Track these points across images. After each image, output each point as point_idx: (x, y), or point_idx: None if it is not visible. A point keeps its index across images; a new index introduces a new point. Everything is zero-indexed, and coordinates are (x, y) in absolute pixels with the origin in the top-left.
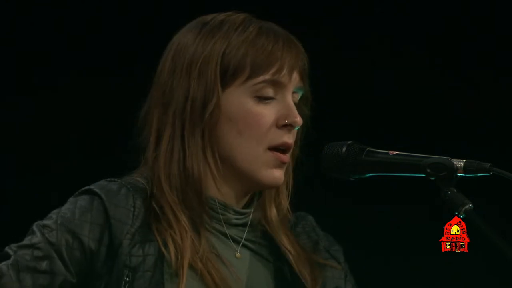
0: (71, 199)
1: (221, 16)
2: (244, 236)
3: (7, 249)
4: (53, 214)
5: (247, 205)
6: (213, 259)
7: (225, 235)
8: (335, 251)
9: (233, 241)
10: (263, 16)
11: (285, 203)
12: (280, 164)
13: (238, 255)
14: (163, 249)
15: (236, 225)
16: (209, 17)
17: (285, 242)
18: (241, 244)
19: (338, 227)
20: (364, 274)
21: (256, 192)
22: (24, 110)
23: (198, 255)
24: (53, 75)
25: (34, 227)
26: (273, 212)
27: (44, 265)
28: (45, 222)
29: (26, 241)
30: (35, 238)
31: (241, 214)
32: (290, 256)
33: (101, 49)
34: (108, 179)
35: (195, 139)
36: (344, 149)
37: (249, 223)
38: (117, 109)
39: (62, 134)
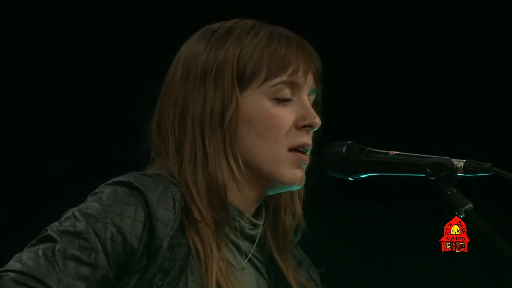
0: (107, 190)
1: (229, 23)
2: (251, 251)
3: (49, 231)
4: (94, 202)
5: (255, 216)
6: (230, 271)
7: (236, 245)
8: (314, 273)
9: (243, 253)
10: (263, 16)
11: (299, 209)
12: (301, 164)
13: (244, 265)
14: (194, 255)
15: (247, 235)
16: (215, 25)
17: (287, 264)
18: (248, 257)
19: (338, 227)
20: (364, 274)
21: (263, 203)
22: (24, 110)
23: (219, 265)
24: (53, 75)
25: (77, 213)
26: (288, 220)
27: (89, 257)
28: (89, 211)
29: (69, 226)
30: (80, 226)
31: (253, 224)
32: (290, 278)
33: (101, 49)
34: (144, 174)
35: (216, 145)
36: (344, 149)
37: (258, 237)
38: (117, 109)
39: (62, 134)
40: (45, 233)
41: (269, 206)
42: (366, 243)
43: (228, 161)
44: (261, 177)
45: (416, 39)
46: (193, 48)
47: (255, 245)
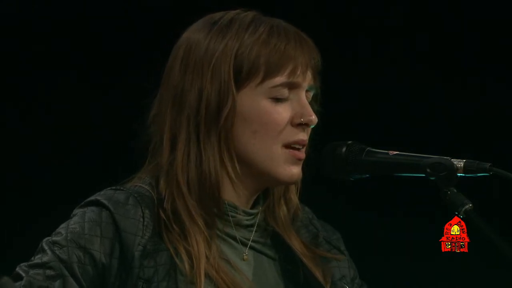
0: (78, 211)
1: (230, 14)
2: (251, 238)
3: (18, 269)
4: (62, 229)
5: (253, 205)
6: (224, 265)
7: (233, 238)
8: (336, 241)
9: (240, 244)
10: (266, 14)
11: (295, 198)
12: (297, 160)
13: (245, 257)
14: (176, 259)
15: (245, 226)
16: (217, 15)
17: (294, 241)
18: (248, 246)
19: (338, 227)
20: (364, 274)
21: (261, 192)
22: (23, 110)
23: (210, 261)
24: (53, 75)
25: (44, 245)
26: (282, 210)
27: (57, 284)
28: (55, 238)
29: (36, 259)
30: (46, 256)
31: (250, 214)
32: (301, 255)
33: (101, 49)
34: (114, 188)
35: (211, 143)
36: (344, 149)
37: (256, 223)
38: (117, 109)
39: (62, 135)
40: (14, 272)
41: (266, 194)
42: (366, 242)
43: (223, 160)
44: (256, 175)
45: (416, 39)
46: (193, 38)
47: (253, 232)
